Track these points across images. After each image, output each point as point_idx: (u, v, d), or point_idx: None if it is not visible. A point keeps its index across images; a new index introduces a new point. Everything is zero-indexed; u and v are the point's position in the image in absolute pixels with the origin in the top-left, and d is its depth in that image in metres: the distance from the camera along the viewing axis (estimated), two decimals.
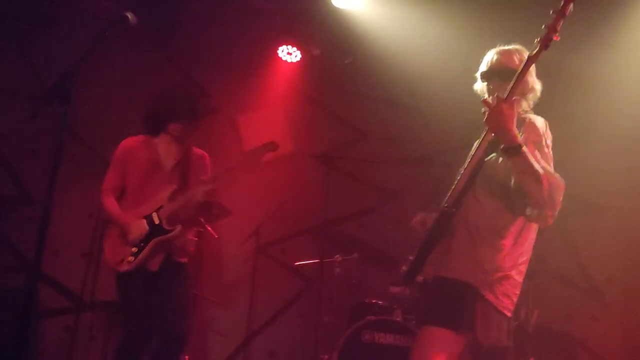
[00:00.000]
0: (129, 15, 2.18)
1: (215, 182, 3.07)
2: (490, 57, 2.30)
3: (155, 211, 3.04)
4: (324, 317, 4.29)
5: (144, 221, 3.01)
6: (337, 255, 4.24)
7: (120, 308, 3.12)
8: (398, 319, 3.67)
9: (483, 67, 2.31)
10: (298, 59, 5.17)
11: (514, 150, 1.95)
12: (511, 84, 2.02)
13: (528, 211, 2.07)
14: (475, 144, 2.41)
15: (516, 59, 2.23)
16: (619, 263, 4.55)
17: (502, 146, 2.00)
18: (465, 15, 4.63)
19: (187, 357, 3.97)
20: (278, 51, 5.12)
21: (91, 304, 4.21)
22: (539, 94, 2.27)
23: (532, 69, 2.20)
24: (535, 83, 2.26)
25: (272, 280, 4.94)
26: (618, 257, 4.54)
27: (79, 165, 4.55)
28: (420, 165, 5.25)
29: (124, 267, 3.00)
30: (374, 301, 3.96)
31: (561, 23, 1.92)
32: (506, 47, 2.29)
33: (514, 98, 2.02)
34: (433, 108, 5.10)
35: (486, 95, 2.26)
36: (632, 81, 4.46)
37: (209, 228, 4.32)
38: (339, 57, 5.24)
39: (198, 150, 3.35)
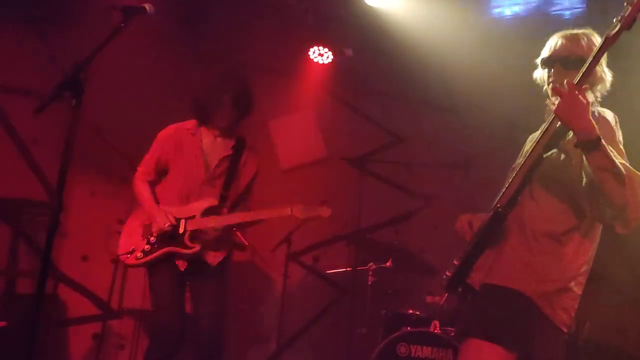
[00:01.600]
0: (147, 7, 2.07)
1: (255, 221, 2.95)
2: (554, 41, 2.05)
3: (185, 219, 2.88)
4: (357, 328, 4.12)
5: (173, 220, 2.86)
6: (371, 263, 4.07)
7: (151, 305, 3.01)
8: (436, 331, 3.45)
9: (545, 52, 2.06)
10: (330, 60, 5.05)
11: (592, 144, 1.71)
12: (583, 70, 1.77)
13: (607, 213, 1.81)
14: (531, 138, 2.20)
15: (584, 44, 1.98)
16: None
17: (576, 139, 1.75)
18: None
19: None
20: (309, 52, 5.02)
21: (119, 312, 4.13)
22: (608, 85, 2.01)
23: (603, 57, 1.94)
24: (604, 73, 2.00)
25: (303, 289, 4.80)
26: None
27: (108, 171, 4.53)
28: (458, 169, 5.04)
29: (130, 261, 2.91)
30: (410, 311, 3.76)
31: None
32: (573, 31, 2.04)
33: (583, 87, 1.78)
34: (471, 109, 4.91)
35: (546, 85, 2.04)
36: None
37: (240, 236, 4.22)
38: (373, 58, 5.10)
39: (253, 155, 3.10)
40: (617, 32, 1.71)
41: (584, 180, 1.82)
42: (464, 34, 4.66)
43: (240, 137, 3.08)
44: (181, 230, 2.84)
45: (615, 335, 4.25)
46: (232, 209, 3.00)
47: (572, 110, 1.72)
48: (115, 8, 1.99)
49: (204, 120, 3.02)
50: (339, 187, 4.92)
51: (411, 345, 3.40)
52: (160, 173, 3.03)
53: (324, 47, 5.00)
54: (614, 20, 1.73)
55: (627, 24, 1.69)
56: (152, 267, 2.90)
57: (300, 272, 4.82)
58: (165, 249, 2.84)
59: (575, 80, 1.77)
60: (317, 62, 5.06)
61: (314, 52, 5.02)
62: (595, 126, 1.73)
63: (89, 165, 4.48)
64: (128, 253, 2.92)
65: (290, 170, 4.85)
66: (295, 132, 5.14)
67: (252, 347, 4.64)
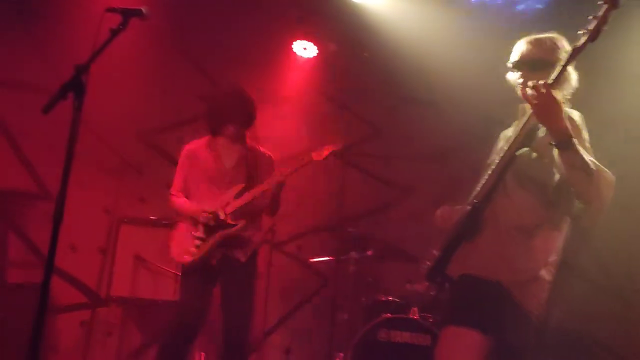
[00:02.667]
0: (144, 9, 2.16)
1: (285, 177, 3.17)
2: (520, 46, 2.18)
3: (222, 207, 3.08)
4: (339, 314, 4.26)
5: (214, 209, 3.05)
6: (353, 253, 4.20)
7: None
8: (415, 317, 3.61)
9: (514, 56, 2.19)
10: (314, 54, 5.12)
11: (566, 143, 1.84)
12: (556, 73, 1.89)
13: (576, 207, 1.97)
14: (503, 135, 2.32)
15: (549, 49, 2.11)
16: (639, 262, 4.45)
17: (552, 139, 1.88)
18: (484, 9, 4.55)
19: (202, 354, 3.96)
20: (293, 46, 5.08)
21: (107, 300, 4.21)
22: (574, 83, 2.13)
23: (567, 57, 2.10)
24: (571, 74, 2.12)
25: (287, 277, 4.92)
26: (639, 256, 4.44)
27: (96, 161, 4.56)
28: (437, 162, 5.20)
29: (187, 259, 3.03)
30: (390, 299, 3.91)
31: (612, 14, 1.80)
32: (538, 36, 2.17)
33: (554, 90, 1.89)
34: (450, 104, 5.03)
35: (517, 87, 2.16)
36: None
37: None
38: (356, 53, 5.19)
39: (265, 150, 3.43)
40: (583, 44, 1.85)
41: (556, 176, 1.95)
42: (443, 29, 4.77)
43: (251, 144, 3.41)
44: (222, 217, 3.04)
45: (583, 322, 4.44)
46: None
47: (550, 109, 1.84)
48: (114, 11, 2.06)
49: (216, 132, 3.33)
50: (321, 178, 5.03)
51: (391, 331, 3.54)
52: (189, 189, 3.25)
53: (308, 41, 5.07)
54: (580, 32, 1.86)
55: (592, 37, 1.83)
56: (188, 264, 3.03)
57: (283, 261, 4.93)
58: (217, 236, 3.03)
59: (550, 81, 1.88)
60: (301, 56, 5.13)
61: (298, 46, 5.09)
62: (569, 126, 1.85)
63: (76, 156, 4.50)
64: (183, 254, 3.06)
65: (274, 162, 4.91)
66: (278, 124, 5.21)
67: None
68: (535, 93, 1.86)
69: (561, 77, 1.94)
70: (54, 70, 4.53)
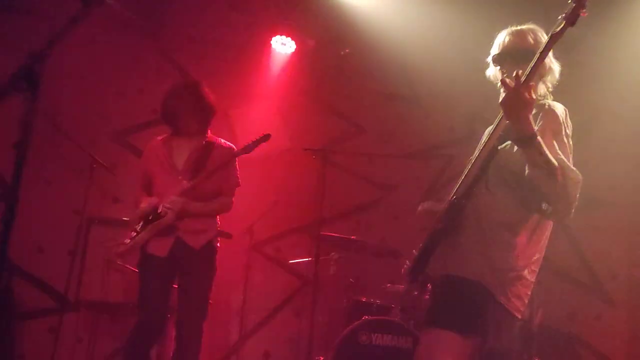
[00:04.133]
0: None
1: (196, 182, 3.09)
2: (501, 38, 2.11)
3: (163, 202, 3.06)
4: (319, 316, 4.15)
5: (156, 202, 3.05)
6: (333, 253, 4.10)
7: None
8: (396, 318, 3.53)
9: (495, 49, 2.12)
10: (292, 49, 5.02)
11: (526, 140, 1.77)
12: (530, 66, 1.81)
13: (543, 206, 1.89)
14: (487, 131, 2.25)
15: (530, 39, 2.04)
16: (623, 260, 4.44)
17: (514, 135, 1.81)
18: (465, 4, 4.48)
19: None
20: (272, 42, 4.97)
21: (76, 304, 4.04)
22: (557, 75, 2.07)
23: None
24: (553, 64, 2.06)
25: (266, 279, 4.81)
26: (623, 254, 4.43)
27: (65, 161, 4.40)
28: (419, 159, 5.12)
29: (120, 249, 3.05)
30: (371, 300, 3.83)
31: None
32: (519, 27, 2.10)
33: (531, 83, 1.81)
34: (433, 100, 4.98)
35: (498, 82, 2.07)
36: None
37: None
38: (335, 49, 5.10)
39: (223, 143, 3.33)
40: (562, 28, 1.77)
41: (526, 172, 1.86)
42: (425, 25, 4.71)
43: (211, 138, 3.30)
44: (159, 210, 3.04)
45: (566, 321, 4.42)
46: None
47: (513, 105, 1.77)
48: None
49: (174, 129, 3.28)
50: (300, 177, 4.92)
51: (372, 334, 3.46)
52: (149, 187, 3.25)
53: (286, 36, 4.97)
54: (559, 17, 1.78)
55: (571, 21, 1.75)
56: (139, 261, 3.05)
57: (262, 262, 4.82)
58: (148, 228, 3.01)
59: (523, 77, 1.80)
60: (280, 51, 5.03)
61: (276, 42, 4.98)
62: (532, 123, 1.78)
63: (45, 155, 4.35)
64: (117, 245, 3.10)
65: (251, 160, 4.80)
66: (257, 121, 5.09)
67: (214, 337, 4.62)
68: (506, 87, 1.80)
69: (538, 69, 1.87)
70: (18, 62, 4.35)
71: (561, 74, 2.09)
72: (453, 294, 1.94)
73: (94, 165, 4.04)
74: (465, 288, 1.92)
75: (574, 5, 1.76)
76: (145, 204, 3.09)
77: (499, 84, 2.09)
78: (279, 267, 4.83)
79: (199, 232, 3.10)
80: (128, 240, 3.03)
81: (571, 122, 2.00)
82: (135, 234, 3.03)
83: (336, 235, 4.16)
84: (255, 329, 4.71)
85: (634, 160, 4.42)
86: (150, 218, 3.04)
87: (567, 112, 2.01)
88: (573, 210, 1.87)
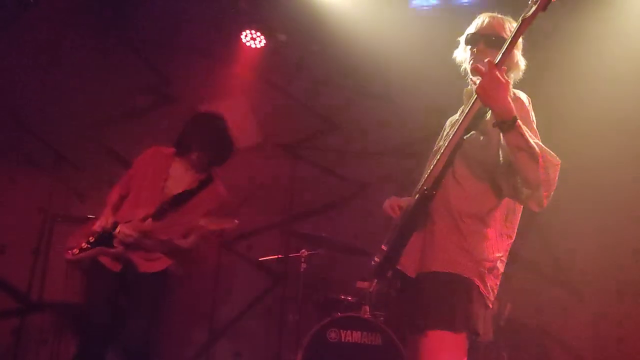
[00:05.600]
0: None
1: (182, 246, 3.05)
2: (480, 20, 2.09)
3: (124, 222, 2.98)
4: (289, 314, 4.13)
5: (110, 224, 2.98)
6: (304, 250, 4.07)
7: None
8: (366, 316, 3.51)
9: (471, 29, 2.10)
10: (262, 44, 4.97)
11: (509, 123, 1.74)
12: (503, 50, 1.80)
13: (523, 192, 1.85)
14: (449, 121, 2.24)
15: (507, 28, 2.04)
16: (590, 255, 4.50)
17: (495, 119, 1.79)
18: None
19: None
20: (242, 36, 4.92)
21: (40, 305, 3.93)
22: (521, 72, 2.07)
23: (519, 43, 2.00)
24: (520, 59, 2.06)
25: (236, 276, 4.76)
26: (590, 249, 4.49)
27: (27, 157, 4.29)
28: (391, 157, 5.12)
29: (68, 256, 3.01)
30: (341, 297, 3.81)
31: None
32: (499, 15, 2.09)
33: (503, 67, 1.79)
34: (405, 97, 4.97)
35: (467, 62, 2.07)
36: (607, 68, 4.41)
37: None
38: (307, 44, 5.06)
39: (219, 189, 3.25)
40: (533, 13, 1.75)
41: (502, 159, 1.85)
42: (397, 22, 4.71)
43: (210, 176, 3.24)
44: (115, 232, 2.96)
45: (534, 315, 4.47)
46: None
47: (493, 89, 1.74)
48: None
49: (181, 153, 3.20)
50: (272, 173, 4.89)
51: (341, 331, 3.44)
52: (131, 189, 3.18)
53: (256, 31, 4.92)
54: (529, 2, 1.76)
55: (542, 5, 1.73)
56: (90, 266, 3.00)
57: (233, 260, 4.76)
58: (96, 248, 2.96)
59: (496, 60, 1.79)
60: (250, 45, 4.97)
61: (246, 36, 4.92)
62: (513, 107, 1.76)
63: (9, 151, 4.23)
64: (69, 248, 3.02)
65: None
66: (227, 117, 5.03)
67: (184, 335, 4.56)
68: (479, 73, 1.78)
69: (510, 58, 1.87)
70: None
71: (526, 71, 2.09)
72: (440, 291, 1.89)
73: (59, 162, 3.94)
74: (451, 283, 1.88)
75: None
76: (103, 222, 3.00)
77: (465, 65, 2.09)
78: (250, 264, 4.78)
79: (152, 260, 3.03)
80: (76, 251, 2.98)
81: (538, 119, 2.01)
82: (85, 246, 2.98)
83: (307, 232, 4.13)
84: (225, 328, 4.65)
85: (602, 158, 4.48)
86: (102, 236, 2.97)
87: (530, 101, 2.00)
88: (552, 195, 1.85)
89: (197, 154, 3.14)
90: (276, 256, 4.29)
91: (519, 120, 1.76)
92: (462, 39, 2.12)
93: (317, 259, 4.09)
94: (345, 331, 3.43)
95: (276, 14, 4.85)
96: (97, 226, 2.98)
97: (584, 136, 4.48)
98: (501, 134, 1.80)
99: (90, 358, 2.89)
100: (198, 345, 4.55)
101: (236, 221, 3.15)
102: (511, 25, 2.04)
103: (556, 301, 4.55)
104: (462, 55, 2.12)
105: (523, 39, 1.97)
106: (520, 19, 1.79)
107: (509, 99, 1.77)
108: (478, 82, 1.78)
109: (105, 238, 2.96)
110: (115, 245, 2.94)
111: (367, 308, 3.57)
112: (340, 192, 5.07)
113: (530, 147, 1.77)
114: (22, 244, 4.16)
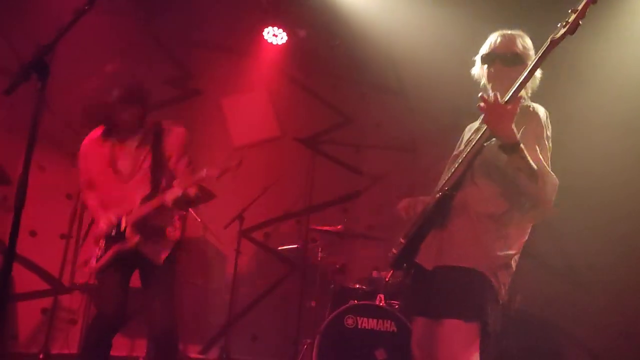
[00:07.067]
0: None
1: (184, 188, 2.79)
2: (493, 39, 2.20)
3: (125, 215, 2.85)
4: (306, 301, 4.27)
5: (115, 220, 2.85)
6: (321, 240, 4.21)
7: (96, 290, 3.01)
8: (381, 304, 3.66)
9: (485, 49, 2.21)
10: (284, 41, 5.10)
11: (511, 148, 1.91)
12: (524, 74, 1.93)
13: (523, 204, 2.04)
14: (469, 127, 2.35)
15: (520, 45, 2.15)
16: (600, 249, 4.59)
17: (499, 143, 1.94)
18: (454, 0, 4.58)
19: None
20: (263, 33, 5.05)
21: (70, 287, 4.11)
22: (538, 82, 2.18)
23: (533, 56, 2.11)
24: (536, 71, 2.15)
25: (255, 264, 4.91)
26: (599, 243, 4.58)
27: (57, 144, 4.44)
28: (405, 151, 5.25)
29: (87, 269, 2.90)
30: (357, 286, 3.95)
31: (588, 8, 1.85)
32: (509, 32, 2.20)
33: (518, 95, 1.94)
34: (420, 93, 5.07)
35: (484, 80, 2.19)
36: (617, 70, 4.48)
37: (192, 212, 4.26)
38: (326, 40, 5.18)
39: (168, 126, 3.00)
40: (561, 35, 1.88)
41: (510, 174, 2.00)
42: (413, 18, 4.79)
43: (151, 127, 2.99)
44: (122, 227, 2.84)
45: (544, 307, 4.57)
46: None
47: (495, 121, 1.91)
48: None
49: (108, 127, 2.96)
50: (290, 165, 5.03)
51: (358, 317, 3.59)
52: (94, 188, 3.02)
53: (278, 27, 5.04)
54: (559, 25, 1.89)
55: (572, 30, 1.86)
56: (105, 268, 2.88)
57: (251, 248, 4.92)
58: (112, 250, 2.84)
59: (506, 97, 1.92)
60: (271, 42, 5.09)
61: (268, 33, 5.05)
62: (515, 133, 1.91)
63: (39, 139, 4.36)
64: (85, 263, 2.93)
65: (242, 148, 4.90)
66: (248, 111, 5.18)
67: (203, 321, 4.73)
68: (485, 106, 1.92)
69: (530, 77, 1.97)
70: (16, 52, 4.40)
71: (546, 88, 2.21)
72: (455, 284, 2.02)
73: None
74: (465, 276, 2.01)
75: (575, 15, 1.86)
76: (106, 222, 2.84)
77: (484, 81, 2.21)
78: (268, 252, 4.94)
79: (158, 247, 2.90)
80: (94, 261, 2.87)
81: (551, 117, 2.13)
82: (100, 252, 2.85)
83: (323, 224, 4.25)
84: (243, 312, 4.81)
85: (610, 156, 4.57)
86: (113, 235, 2.83)
87: (548, 115, 2.13)
88: (548, 213, 2.01)
89: (119, 117, 2.87)
90: (294, 245, 4.42)
91: (521, 145, 1.91)
92: (477, 58, 2.24)
93: (334, 248, 4.22)
94: (361, 318, 3.58)
95: (297, 11, 4.96)
96: (103, 227, 2.84)
97: (593, 136, 4.57)
98: (505, 155, 1.94)
99: (98, 348, 2.82)
100: (217, 329, 4.72)
101: (240, 161, 2.87)
102: (523, 41, 2.16)
103: (565, 294, 4.63)
104: (480, 72, 2.24)
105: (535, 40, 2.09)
106: (549, 40, 1.90)
107: (513, 126, 1.90)
108: (484, 111, 1.92)
109: (115, 236, 2.83)
110: (128, 238, 2.81)
111: (382, 296, 3.70)
112: (355, 184, 5.21)
113: (529, 167, 1.92)
114: (52, 229, 4.32)
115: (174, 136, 2.96)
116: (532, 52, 2.14)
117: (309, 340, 3.93)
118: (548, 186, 1.97)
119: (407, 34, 4.80)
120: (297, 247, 4.42)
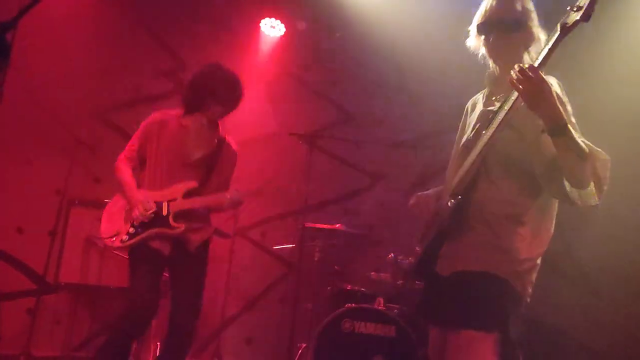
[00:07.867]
0: None
1: (243, 200, 3.07)
2: (486, 5, 1.98)
3: (168, 201, 2.87)
4: (302, 303, 4.12)
5: (154, 206, 2.84)
6: (318, 240, 4.06)
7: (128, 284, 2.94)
8: (380, 307, 3.49)
9: (479, 17, 2.01)
10: (282, 33, 4.95)
11: (560, 129, 1.69)
12: (543, 54, 1.71)
13: (571, 192, 1.80)
14: (472, 103, 2.17)
15: (518, 6, 1.94)
16: (609, 252, 4.43)
17: (544, 126, 1.73)
18: None
19: (158, 342, 3.78)
20: (261, 24, 4.89)
21: (55, 286, 3.96)
22: (543, 45, 1.92)
23: (534, 18, 1.94)
24: (540, 33, 1.95)
25: (250, 264, 4.76)
26: (609, 246, 4.42)
27: (46, 140, 4.30)
28: (407, 148, 5.08)
29: (116, 244, 2.87)
30: (355, 288, 3.80)
31: None
32: None
33: (540, 71, 1.70)
34: (422, 89, 4.93)
35: (482, 51, 2.00)
36: (623, 67, 4.33)
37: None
38: (326, 33, 5.03)
39: (233, 144, 3.14)
40: (575, 22, 1.67)
41: (543, 158, 1.79)
42: (416, 12, 4.65)
43: (219, 130, 3.10)
44: (164, 213, 2.85)
45: (551, 311, 4.42)
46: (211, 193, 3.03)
47: (540, 95, 1.67)
48: None
49: (192, 110, 3.01)
50: (287, 162, 4.87)
51: (355, 322, 3.43)
52: (143, 159, 3.00)
53: (276, 19, 4.89)
54: (568, 8, 1.69)
55: (585, 17, 1.65)
56: (135, 249, 2.86)
57: (247, 247, 4.76)
58: (152, 231, 2.83)
59: (536, 62, 1.72)
60: (269, 34, 4.94)
61: (265, 24, 4.90)
62: (562, 111, 1.70)
63: (26, 133, 4.24)
64: (112, 236, 2.88)
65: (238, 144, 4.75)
66: (244, 105, 5.01)
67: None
68: (522, 77, 1.68)
69: (525, 37, 1.83)
70: None
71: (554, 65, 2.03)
72: (471, 291, 1.85)
73: (76, 145, 3.94)
74: (485, 282, 1.84)
75: (589, 1, 1.65)
76: (145, 205, 2.82)
77: (482, 51, 2.02)
78: (264, 252, 4.78)
79: (196, 232, 2.95)
80: (125, 237, 2.84)
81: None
82: (133, 230, 2.83)
83: (321, 223, 4.11)
84: (238, 314, 4.66)
85: (622, 153, 4.40)
86: (155, 219, 2.82)
87: (561, 85, 1.92)
88: (604, 191, 1.82)
89: (217, 107, 2.97)
90: (291, 245, 4.27)
91: (569, 125, 1.70)
92: (472, 28, 2.04)
93: (332, 249, 4.07)
94: (359, 322, 3.42)
95: (296, 3, 4.82)
96: (146, 212, 2.81)
97: (600, 134, 4.41)
98: (551, 138, 1.73)
99: (122, 346, 2.77)
100: (211, 331, 4.57)
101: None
102: (522, 1, 1.96)
103: (574, 298, 4.49)
104: (476, 42, 2.04)
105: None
106: (558, 27, 1.71)
107: (558, 104, 1.70)
108: (521, 88, 1.70)
109: (154, 219, 2.82)
110: (174, 225, 2.83)
111: (382, 300, 3.55)
112: (355, 182, 5.05)
113: (579, 148, 1.72)
114: (39, 226, 4.16)
115: (232, 155, 3.11)
116: (534, 13, 1.93)
117: (304, 345, 3.78)
118: (599, 164, 1.79)
119: (410, 28, 4.67)
120: (294, 246, 4.27)
